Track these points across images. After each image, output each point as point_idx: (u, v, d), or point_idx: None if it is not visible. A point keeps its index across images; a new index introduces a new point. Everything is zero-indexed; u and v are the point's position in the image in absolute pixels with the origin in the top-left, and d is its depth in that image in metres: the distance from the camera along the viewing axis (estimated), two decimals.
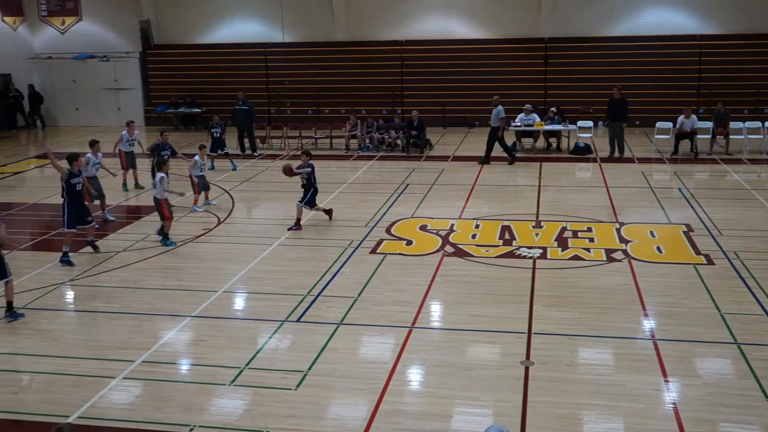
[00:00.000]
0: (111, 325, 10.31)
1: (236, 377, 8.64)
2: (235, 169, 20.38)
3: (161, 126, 28.09)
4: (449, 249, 13.20)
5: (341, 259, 12.74)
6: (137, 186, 18.23)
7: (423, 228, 14.56)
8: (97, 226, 13.72)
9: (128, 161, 18.09)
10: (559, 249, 13.07)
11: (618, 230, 14.11)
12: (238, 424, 7.69)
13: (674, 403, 7.82)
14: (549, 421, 7.54)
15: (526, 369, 8.64)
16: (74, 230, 12.79)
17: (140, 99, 29.30)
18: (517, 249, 13.11)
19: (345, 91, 27.07)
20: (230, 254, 13.26)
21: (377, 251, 13.16)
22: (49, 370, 9.00)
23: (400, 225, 14.78)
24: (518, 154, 21.68)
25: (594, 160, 21.21)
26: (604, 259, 12.50)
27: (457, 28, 27.14)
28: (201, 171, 16.41)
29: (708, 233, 13.75)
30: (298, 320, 10.26)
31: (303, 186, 14.74)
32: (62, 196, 12.88)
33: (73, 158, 12.92)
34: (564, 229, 14.21)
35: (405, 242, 13.67)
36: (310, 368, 8.81)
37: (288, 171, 14.84)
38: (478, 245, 13.41)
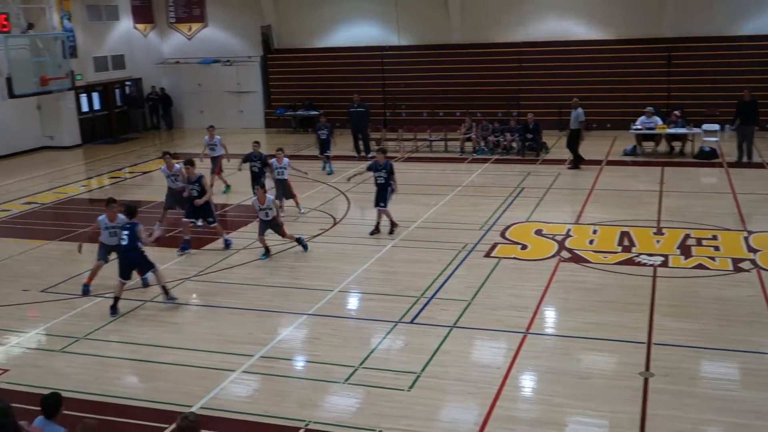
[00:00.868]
0: (231, 320, 10.69)
1: (350, 376, 8.78)
2: (331, 172, 20.28)
3: (280, 128, 29.07)
4: (565, 254, 12.94)
5: (455, 262, 12.71)
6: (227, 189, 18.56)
7: (538, 232, 14.33)
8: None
9: (213, 165, 18.60)
10: (682, 257, 12.57)
11: (746, 239, 13.43)
12: (351, 422, 7.81)
13: None
14: None
15: (646, 380, 8.36)
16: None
17: (260, 102, 30.18)
18: (637, 256, 12.70)
19: (460, 93, 26.96)
20: (345, 254, 13.48)
21: (491, 255, 13.05)
22: (174, 361, 9.42)
23: (515, 229, 14.60)
24: (639, 159, 21.04)
25: (720, 165, 20.26)
26: (731, 268, 11.93)
27: (576, 29, 26.55)
28: (282, 175, 16.18)
29: None
30: (411, 322, 10.32)
31: (378, 186, 14.52)
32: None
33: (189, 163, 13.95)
34: (687, 236, 13.65)
35: (520, 246, 13.49)
36: (423, 370, 8.84)
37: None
38: (595, 251, 13.08)
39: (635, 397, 8.00)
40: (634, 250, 13.04)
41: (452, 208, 16.27)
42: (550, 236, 14.02)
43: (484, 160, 21.83)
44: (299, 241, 13.62)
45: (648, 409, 7.76)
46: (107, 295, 11.59)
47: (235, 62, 30.06)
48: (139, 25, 30.18)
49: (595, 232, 14.25)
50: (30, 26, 19.85)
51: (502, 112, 26.04)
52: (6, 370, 9.35)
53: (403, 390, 8.40)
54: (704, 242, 13.31)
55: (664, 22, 25.71)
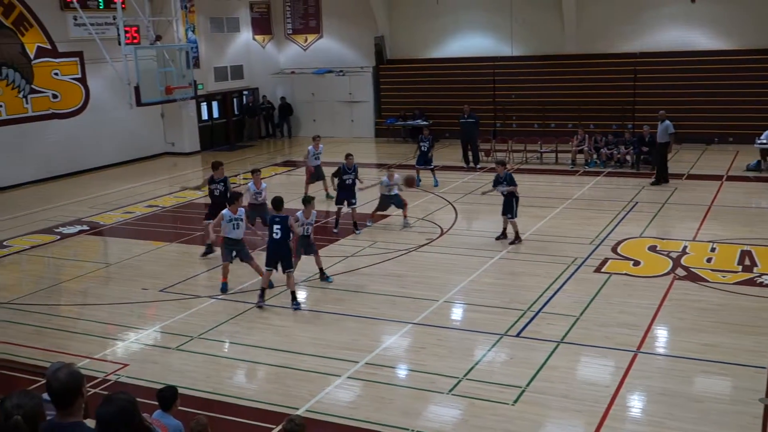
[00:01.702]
0: (337, 326, 10.85)
1: (454, 387, 8.74)
2: (436, 184, 20.03)
3: (390, 138, 29.34)
4: (681, 272, 12.46)
5: (563, 276, 12.46)
6: (328, 197, 18.64)
7: (652, 249, 13.86)
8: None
9: (316, 174, 18.84)
10: None
11: None
12: None
13: None
14: None
15: (766, 407, 7.93)
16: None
17: (371, 112, 30.57)
18: (759, 276, 12.09)
19: (573, 104, 26.46)
20: (452, 265, 13.44)
21: (602, 270, 12.72)
22: (281, 363, 9.65)
23: (627, 244, 14.18)
24: (763, 174, 20.04)
25: None
26: None
27: (698, 39, 25.55)
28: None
29: None
30: (517, 335, 10.18)
31: (506, 197, 14.46)
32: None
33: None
34: None
35: (632, 262, 13.09)
36: (528, 384, 8.70)
37: (410, 182, 16.33)
38: (713, 270, 12.53)
39: (754, 425, 7.61)
40: (755, 270, 12.41)
41: (562, 221, 15.95)
42: (665, 253, 13.53)
43: (596, 173, 21.32)
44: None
45: None
46: (220, 297, 12.03)
47: (347, 72, 30.57)
48: (257, 37, 31.20)
49: (713, 249, 13.66)
50: (158, 38, 20.82)
51: (617, 125, 25.38)
52: (126, 365, 9.83)
53: (507, 404, 8.29)
54: None
55: None
